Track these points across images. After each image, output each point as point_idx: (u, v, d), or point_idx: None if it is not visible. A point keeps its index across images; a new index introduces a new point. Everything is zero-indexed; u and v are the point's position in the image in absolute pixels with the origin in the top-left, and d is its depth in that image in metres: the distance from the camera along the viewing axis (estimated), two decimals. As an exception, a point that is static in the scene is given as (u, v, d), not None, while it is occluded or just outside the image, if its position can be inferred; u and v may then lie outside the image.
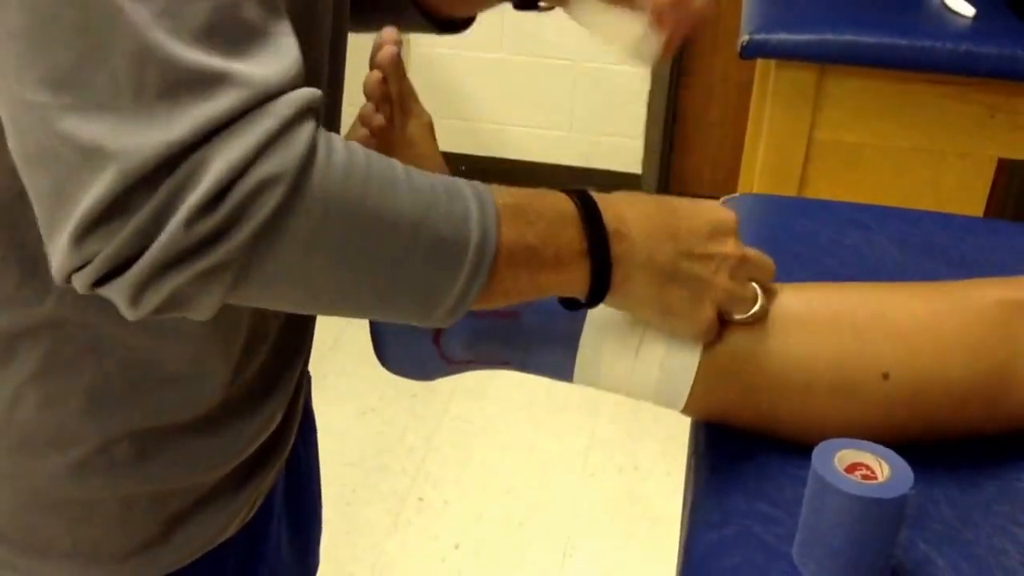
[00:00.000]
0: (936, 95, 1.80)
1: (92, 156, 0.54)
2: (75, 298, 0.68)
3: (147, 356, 0.73)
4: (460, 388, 2.52)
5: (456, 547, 2.12)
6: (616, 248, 0.73)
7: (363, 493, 2.24)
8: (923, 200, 1.82)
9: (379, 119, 0.81)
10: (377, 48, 0.80)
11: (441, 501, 2.23)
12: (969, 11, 1.87)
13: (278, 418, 0.86)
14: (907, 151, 1.86)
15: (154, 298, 0.58)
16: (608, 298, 0.75)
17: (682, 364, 0.82)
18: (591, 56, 3.23)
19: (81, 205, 0.55)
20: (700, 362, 0.82)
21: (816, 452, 0.73)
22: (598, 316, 0.84)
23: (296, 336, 0.87)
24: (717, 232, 0.79)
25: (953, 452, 0.83)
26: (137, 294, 0.58)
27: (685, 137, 3.43)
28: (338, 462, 2.32)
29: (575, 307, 0.78)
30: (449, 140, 3.29)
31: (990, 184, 1.86)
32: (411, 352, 0.87)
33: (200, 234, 0.56)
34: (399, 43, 0.81)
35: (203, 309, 0.60)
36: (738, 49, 1.82)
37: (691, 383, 0.82)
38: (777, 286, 0.86)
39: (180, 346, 0.74)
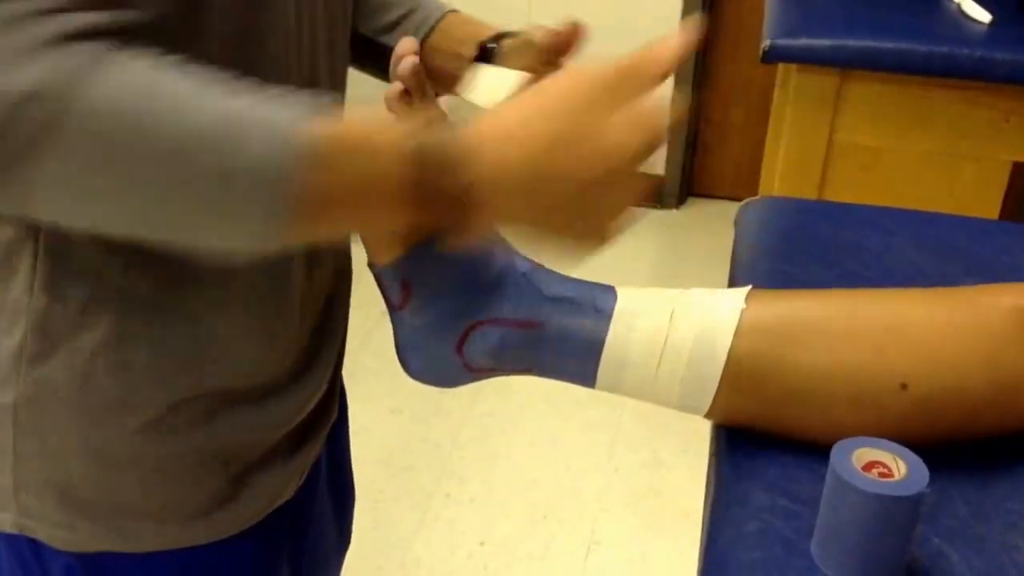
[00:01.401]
0: (953, 100, 1.81)
1: None
2: (142, 271, 0.73)
3: (208, 326, 0.77)
4: (485, 385, 2.53)
5: (482, 543, 2.14)
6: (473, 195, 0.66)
7: (391, 490, 2.26)
8: (940, 203, 1.82)
9: None
10: (397, 60, 0.78)
11: (467, 497, 2.25)
12: (986, 17, 1.88)
13: (324, 387, 0.91)
14: (924, 155, 1.87)
15: None
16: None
17: (703, 375, 0.82)
18: (613, 57, 3.24)
19: None
20: (722, 373, 0.82)
21: (834, 450, 0.73)
22: (620, 326, 0.84)
23: (338, 308, 0.92)
24: (595, 150, 0.70)
25: (967, 451, 0.84)
26: None
27: (707, 140, 3.44)
28: (367, 460, 2.35)
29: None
30: None
31: (1005, 187, 1.86)
32: (434, 360, 0.87)
33: None
34: (419, 53, 0.79)
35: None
36: (760, 53, 1.84)
37: (713, 394, 0.83)
38: (799, 292, 0.87)
39: (239, 316, 0.78)
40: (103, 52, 0.59)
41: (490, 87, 0.85)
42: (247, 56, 0.72)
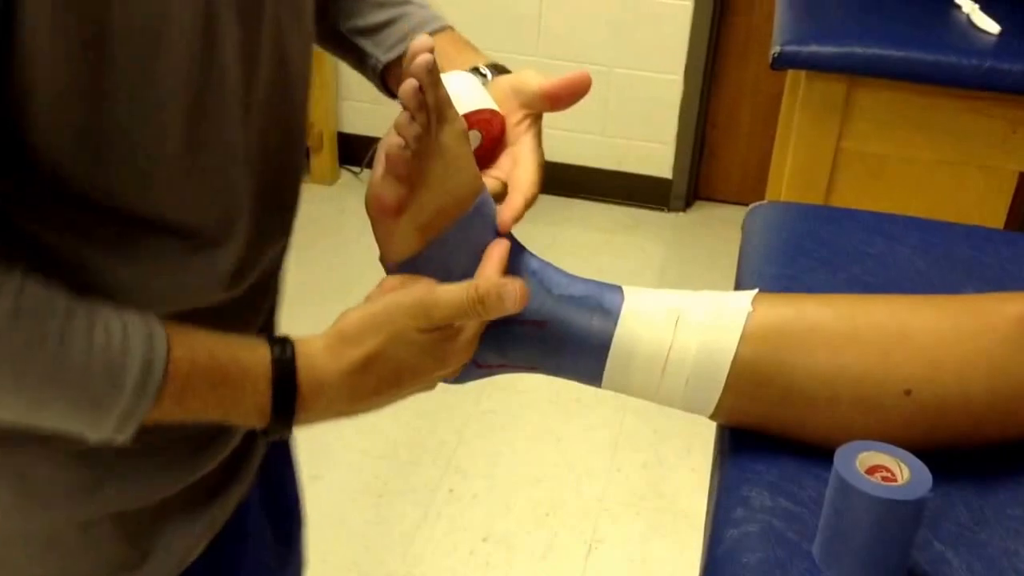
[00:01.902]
0: (960, 109, 1.81)
1: None
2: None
3: None
4: (491, 383, 2.56)
5: (484, 539, 2.15)
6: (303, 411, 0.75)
7: (395, 485, 2.27)
8: (945, 211, 1.82)
9: (415, 128, 0.78)
10: (412, 57, 0.77)
11: (470, 494, 2.26)
12: (994, 28, 1.88)
13: (235, 442, 0.88)
14: (931, 163, 1.88)
15: None
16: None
17: (709, 377, 0.83)
18: (625, 62, 3.24)
19: None
20: (727, 375, 0.83)
21: (838, 454, 0.74)
22: (627, 326, 0.84)
23: None
24: (411, 382, 0.80)
25: (970, 456, 0.85)
26: None
27: (715, 144, 3.45)
28: (371, 455, 2.36)
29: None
30: None
31: (1011, 197, 1.87)
32: None
33: None
34: (434, 51, 0.78)
35: None
36: (770, 60, 1.84)
37: (718, 396, 0.84)
38: (805, 296, 0.88)
39: None
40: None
41: (456, 95, 0.84)
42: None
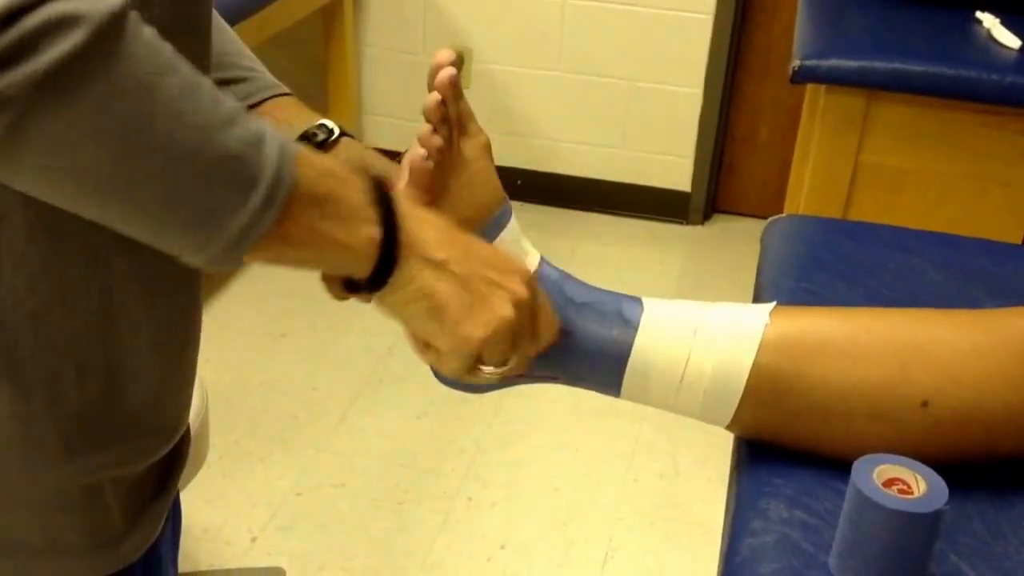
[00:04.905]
0: (979, 124, 1.82)
1: None
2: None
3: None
4: (510, 392, 2.55)
5: (502, 547, 2.15)
6: (407, 232, 0.71)
7: (415, 493, 2.28)
8: (964, 226, 1.82)
9: (437, 141, 0.79)
10: (435, 71, 0.78)
11: (489, 502, 2.27)
12: (1015, 43, 1.89)
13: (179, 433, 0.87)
14: (950, 177, 1.88)
15: None
16: (391, 280, 0.71)
17: (727, 388, 0.84)
18: (645, 75, 3.25)
19: None
20: (744, 387, 0.83)
21: (856, 466, 0.74)
22: (646, 336, 0.85)
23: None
24: (513, 271, 0.77)
25: (986, 470, 0.85)
26: None
27: (734, 157, 3.45)
28: (392, 463, 2.37)
29: (354, 289, 0.74)
30: (504, 154, 3.30)
31: (1030, 213, 1.87)
32: None
33: None
34: (456, 64, 0.79)
35: None
36: (789, 74, 1.85)
37: (735, 407, 0.84)
38: (823, 310, 0.88)
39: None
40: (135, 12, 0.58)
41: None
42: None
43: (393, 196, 0.71)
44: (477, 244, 0.76)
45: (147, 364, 0.78)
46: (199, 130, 0.59)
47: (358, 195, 0.69)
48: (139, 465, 0.81)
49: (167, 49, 0.59)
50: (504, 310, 0.74)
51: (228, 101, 0.62)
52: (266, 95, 0.93)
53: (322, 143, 0.90)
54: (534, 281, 0.78)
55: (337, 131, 0.91)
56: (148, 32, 0.57)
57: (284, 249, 0.66)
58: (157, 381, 0.80)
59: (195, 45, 0.75)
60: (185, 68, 0.59)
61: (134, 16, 0.56)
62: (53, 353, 0.72)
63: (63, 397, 0.74)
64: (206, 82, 0.61)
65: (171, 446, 0.85)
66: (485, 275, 0.74)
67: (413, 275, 0.72)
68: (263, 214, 0.62)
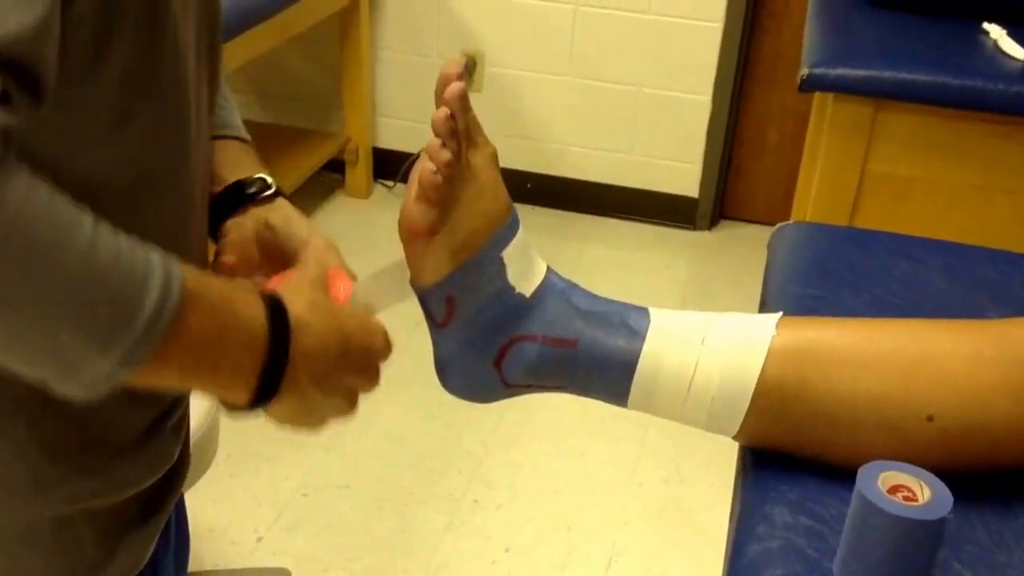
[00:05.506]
0: (987, 133, 1.81)
1: None
2: None
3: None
4: (517, 398, 2.56)
5: (506, 550, 2.16)
6: (292, 366, 0.74)
7: (420, 494, 2.29)
8: (971, 234, 1.76)
9: (446, 154, 0.79)
10: (443, 84, 0.78)
11: (494, 504, 2.28)
12: (1021, 54, 1.88)
13: (173, 457, 0.88)
14: (957, 186, 1.88)
15: None
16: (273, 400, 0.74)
17: (733, 399, 0.84)
18: (654, 82, 3.26)
19: None
20: (751, 399, 0.84)
21: (861, 473, 0.75)
22: (654, 346, 0.85)
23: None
24: (370, 365, 0.85)
25: (991, 479, 0.85)
26: None
27: (741, 164, 3.46)
28: (398, 464, 2.38)
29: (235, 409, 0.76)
30: (513, 158, 3.31)
31: (1037, 222, 1.87)
32: (473, 376, 0.89)
33: None
34: (467, 69, 0.80)
35: None
36: (797, 82, 1.85)
37: (742, 418, 0.85)
38: (829, 320, 0.88)
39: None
40: (11, 164, 0.59)
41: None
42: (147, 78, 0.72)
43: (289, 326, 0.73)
44: (346, 342, 0.81)
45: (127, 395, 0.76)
46: (65, 279, 0.60)
47: (240, 354, 0.71)
48: (119, 496, 0.82)
49: (42, 196, 0.60)
50: (339, 410, 0.82)
51: (108, 240, 0.63)
52: (217, 132, 0.94)
53: (253, 196, 0.91)
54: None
55: (273, 188, 0.92)
56: (25, 178, 0.59)
57: (155, 378, 0.68)
58: (139, 414, 0.80)
59: (212, 65, 0.77)
60: (65, 216, 0.61)
61: (12, 161, 0.58)
62: (21, 384, 0.70)
63: (32, 427, 0.74)
64: (87, 223, 0.62)
65: (158, 477, 0.85)
66: (330, 382, 0.79)
67: (291, 392, 0.76)
68: (120, 369, 0.63)
